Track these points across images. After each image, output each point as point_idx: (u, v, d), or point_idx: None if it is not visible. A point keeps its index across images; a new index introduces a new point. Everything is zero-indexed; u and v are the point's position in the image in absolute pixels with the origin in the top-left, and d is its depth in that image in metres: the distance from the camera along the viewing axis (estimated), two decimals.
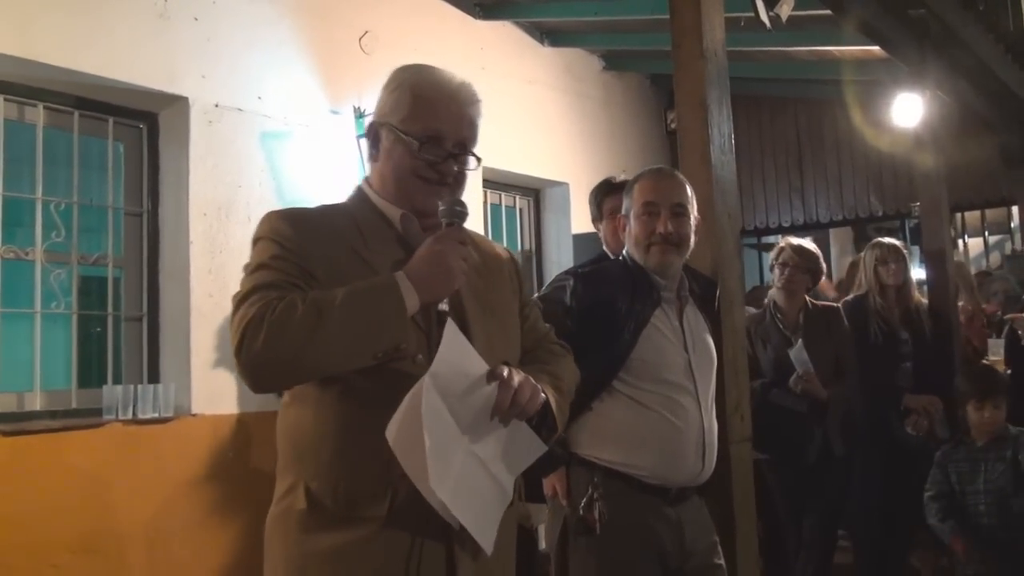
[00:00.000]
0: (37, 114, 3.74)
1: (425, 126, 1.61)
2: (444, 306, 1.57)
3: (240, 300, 1.48)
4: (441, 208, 1.57)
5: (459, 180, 1.67)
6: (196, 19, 4.05)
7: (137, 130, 4.08)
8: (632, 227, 2.44)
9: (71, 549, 3.37)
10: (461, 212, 1.58)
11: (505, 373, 1.54)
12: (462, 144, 1.65)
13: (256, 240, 1.59)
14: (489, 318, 1.67)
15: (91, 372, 3.98)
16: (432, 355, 1.49)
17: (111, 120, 3.97)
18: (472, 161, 1.69)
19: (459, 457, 1.49)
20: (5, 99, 3.63)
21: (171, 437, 3.76)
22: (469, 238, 1.63)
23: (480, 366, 1.52)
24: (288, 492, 1.57)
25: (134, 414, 3.69)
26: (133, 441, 3.65)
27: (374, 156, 1.69)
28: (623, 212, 2.51)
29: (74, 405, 3.74)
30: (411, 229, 1.64)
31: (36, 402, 3.63)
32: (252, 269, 1.54)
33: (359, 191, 1.72)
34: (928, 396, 4.06)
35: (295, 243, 1.54)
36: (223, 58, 4.12)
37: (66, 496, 3.39)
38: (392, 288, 1.47)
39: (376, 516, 1.49)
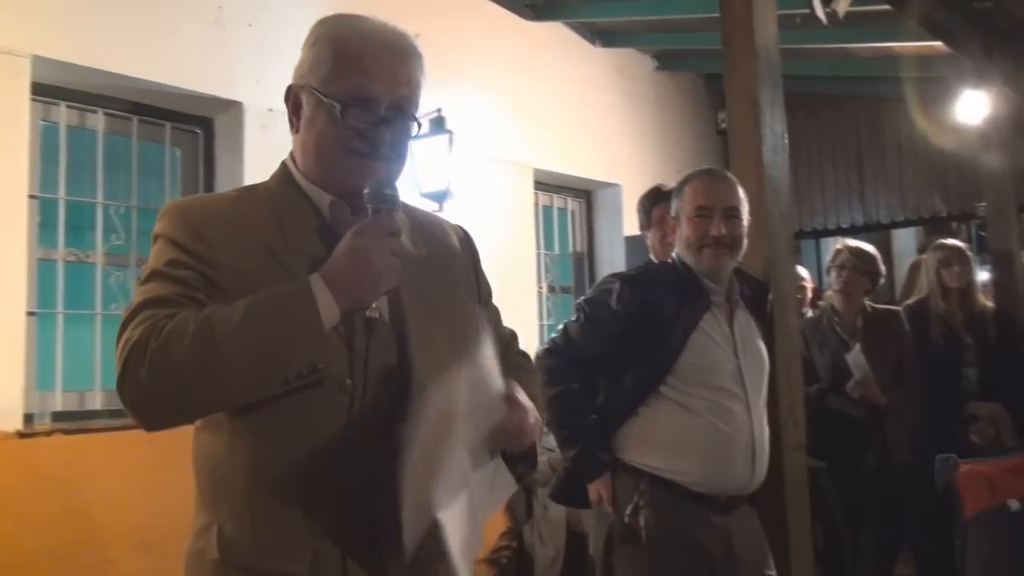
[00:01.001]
0: (98, 120, 3.83)
1: (350, 85, 1.31)
2: (374, 312, 1.29)
3: (127, 319, 1.23)
4: (365, 191, 1.28)
5: (396, 151, 1.37)
6: (250, 25, 4.11)
7: (193, 135, 4.16)
8: (683, 229, 2.41)
9: (128, 545, 3.44)
10: (390, 195, 1.29)
11: (519, 395, 1.33)
12: (398, 106, 1.35)
13: (155, 238, 1.33)
14: (435, 325, 1.36)
15: None
16: (360, 373, 1.26)
17: (168, 125, 4.05)
18: (413, 128, 1.39)
19: (457, 479, 1.27)
20: (67, 106, 3.72)
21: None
22: (404, 226, 1.34)
23: (497, 382, 1.28)
24: (202, 533, 1.32)
25: None
26: (190, 440, 3.71)
27: (295, 126, 1.39)
28: (672, 214, 2.48)
29: None
30: (342, 219, 1.35)
31: (96, 401, 3.72)
32: (145, 278, 1.28)
33: (283, 169, 1.42)
34: (994, 403, 3.93)
35: (197, 245, 1.27)
36: (277, 63, 4.16)
37: (124, 493, 3.46)
38: (303, 295, 1.20)
39: (295, 573, 1.25)
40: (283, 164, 1.43)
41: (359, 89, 1.32)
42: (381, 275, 1.25)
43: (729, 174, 2.47)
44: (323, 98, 1.32)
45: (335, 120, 1.32)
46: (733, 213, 2.36)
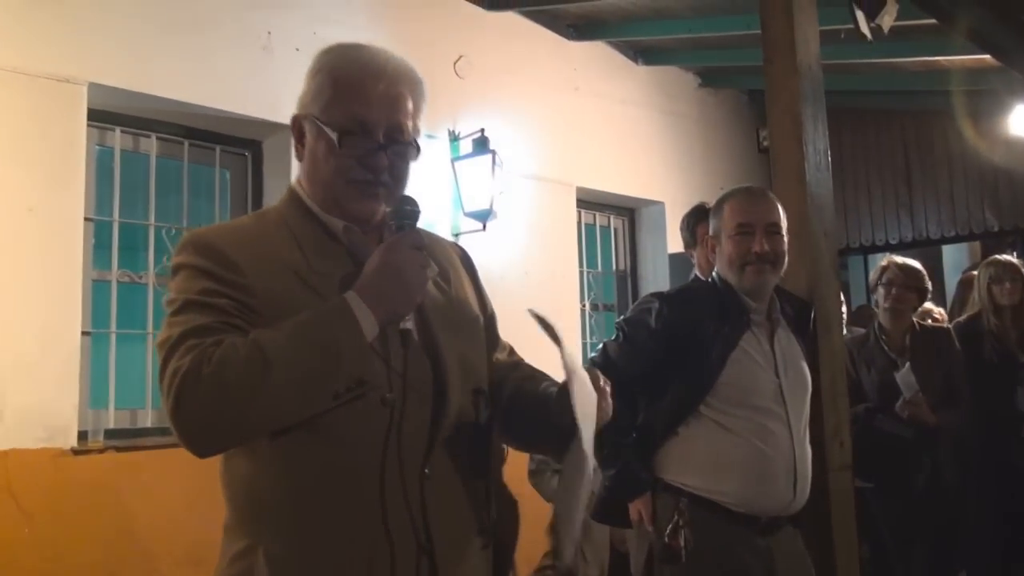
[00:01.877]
0: (150, 144, 3.94)
1: (347, 113, 1.35)
2: (407, 324, 1.33)
3: (169, 349, 1.23)
4: (388, 210, 1.34)
5: (397, 176, 1.39)
6: (298, 50, 4.19)
7: (242, 158, 4.25)
8: (725, 248, 2.40)
9: (177, 561, 3.50)
10: (412, 211, 1.33)
11: (601, 381, 1.38)
12: (395, 132, 1.37)
13: (176, 269, 1.33)
14: (457, 336, 1.41)
15: None
16: (399, 385, 1.30)
17: (218, 148, 4.15)
18: (412, 152, 1.41)
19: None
20: (122, 131, 3.84)
21: None
22: (426, 242, 1.36)
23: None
24: (241, 556, 1.30)
25: None
26: None
27: (299, 154, 1.43)
28: (711, 233, 2.47)
29: None
30: (357, 240, 1.38)
31: (148, 419, 3.80)
32: (178, 308, 1.28)
33: (292, 195, 1.44)
34: None
35: (228, 273, 1.28)
36: None
37: (174, 509, 3.52)
38: (345, 312, 1.24)
39: None
40: (291, 190, 1.45)
41: (355, 117, 1.35)
42: (414, 288, 1.29)
43: (768, 191, 2.46)
44: (323, 127, 1.36)
45: (334, 149, 1.35)
46: (774, 229, 2.36)
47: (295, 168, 4.46)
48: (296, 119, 1.43)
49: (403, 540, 1.29)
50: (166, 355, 1.23)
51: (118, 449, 3.48)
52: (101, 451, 3.43)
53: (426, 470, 1.31)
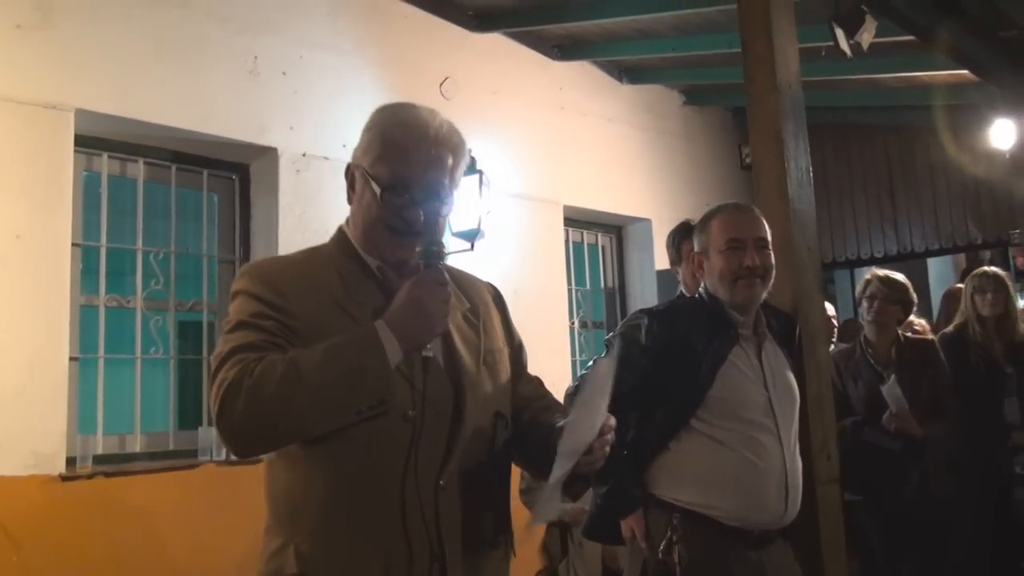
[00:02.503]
0: (138, 169, 3.95)
1: (391, 171, 1.53)
2: (429, 352, 1.49)
3: (219, 363, 1.42)
4: (417, 249, 1.51)
5: (429, 226, 1.55)
6: (284, 73, 4.23)
7: (230, 181, 4.26)
8: (715, 263, 2.41)
9: None
10: (438, 252, 1.51)
11: (612, 422, 1.49)
12: (431, 188, 1.54)
13: (235, 294, 1.53)
14: (481, 368, 1.58)
15: (188, 414, 4.13)
16: (420, 405, 1.46)
17: (205, 172, 4.16)
18: (447, 205, 1.58)
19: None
20: (109, 156, 3.85)
21: (262, 477, 3.85)
22: (451, 279, 1.53)
23: (603, 407, 1.48)
24: (277, 554, 1.48)
25: (227, 455, 3.81)
26: (226, 481, 3.76)
27: (351, 199, 1.61)
28: (697, 250, 2.49)
29: (172, 447, 3.89)
30: (391, 278, 1.56)
31: (137, 444, 3.79)
32: (231, 328, 1.47)
33: (341, 234, 1.63)
34: None
35: (276, 299, 1.47)
36: (310, 109, 4.28)
37: (164, 534, 3.51)
38: (372, 339, 1.41)
39: None
40: (340, 230, 1.63)
41: (397, 175, 1.52)
42: (435, 320, 1.45)
43: (753, 207, 2.49)
44: (370, 180, 1.54)
45: (376, 200, 1.53)
46: (763, 244, 2.39)
47: (283, 191, 4.49)
48: (350, 168, 1.61)
49: (419, 545, 1.44)
50: (216, 368, 1.42)
51: (107, 475, 3.47)
52: (90, 477, 3.42)
53: (441, 482, 1.46)
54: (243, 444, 1.42)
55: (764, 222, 2.42)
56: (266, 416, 1.37)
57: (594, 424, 1.46)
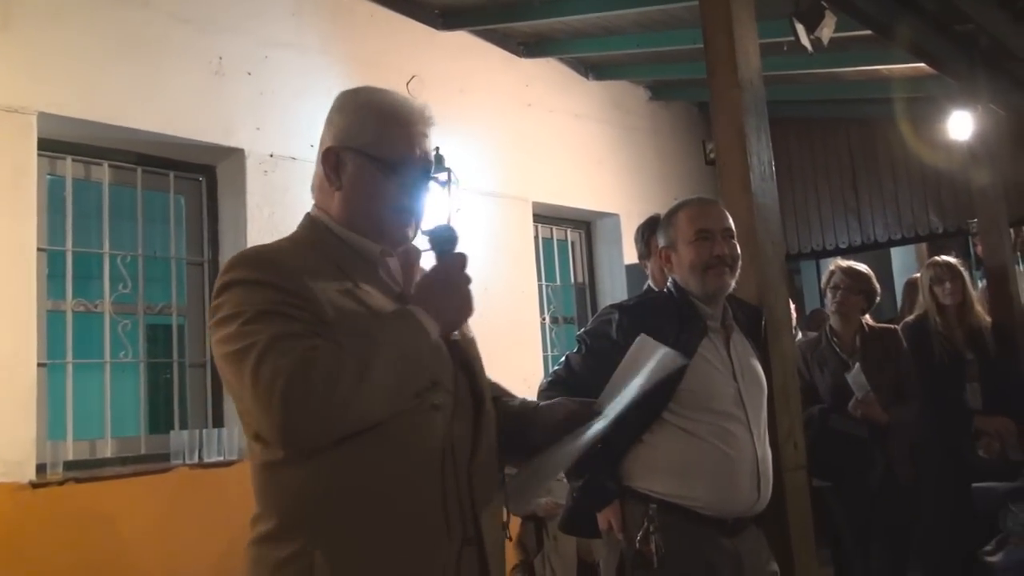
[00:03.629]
0: (103, 172, 3.91)
1: (397, 152, 1.51)
2: (456, 335, 1.49)
3: (262, 352, 1.29)
4: (429, 235, 1.51)
5: (423, 206, 1.57)
6: (249, 74, 4.21)
7: (196, 183, 4.24)
8: (683, 254, 2.45)
9: None
10: (454, 237, 1.52)
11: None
12: (428, 166, 1.56)
13: (233, 283, 1.39)
14: (471, 349, 1.59)
15: (159, 418, 4.11)
16: (450, 392, 1.44)
17: (172, 174, 4.14)
18: (435, 186, 1.60)
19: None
20: (73, 160, 3.81)
21: (236, 480, 3.84)
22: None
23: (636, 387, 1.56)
24: (290, 561, 1.36)
25: (200, 458, 3.79)
26: (199, 484, 3.75)
27: (336, 185, 1.53)
28: (663, 244, 2.53)
29: (143, 451, 3.86)
30: (387, 264, 1.54)
31: (107, 449, 3.76)
32: (251, 317, 1.33)
33: (317, 223, 1.55)
34: (1000, 418, 3.95)
35: (296, 286, 1.37)
36: (276, 109, 4.27)
37: (136, 539, 3.49)
38: (415, 322, 1.39)
39: None
40: (313, 219, 1.56)
41: (404, 156, 1.51)
42: (470, 303, 1.48)
43: (718, 200, 2.55)
44: (375, 160, 1.50)
45: (382, 180, 1.50)
46: (729, 235, 2.44)
47: (250, 191, 4.45)
48: (334, 150, 1.53)
49: (460, 533, 1.42)
50: (258, 358, 1.29)
51: (78, 480, 3.44)
52: (60, 483, 3.39)
53: (472, 468, 1.45)
54: (310, 437, 1.31)
55: (728, 214, 2.47)
56: (340, 408, 1.29)
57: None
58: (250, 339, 1.32)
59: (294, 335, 1.32)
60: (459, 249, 1.51)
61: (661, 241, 2.54)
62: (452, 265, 1.48)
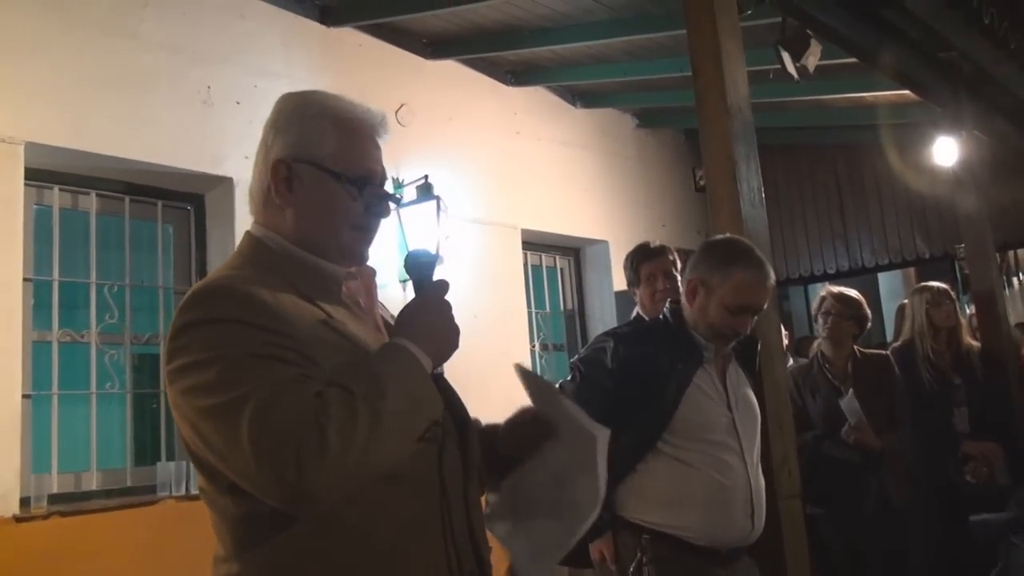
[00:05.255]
0: (90, 202, 3.89)
1: (361, 167, 1.39)
2: (439, 369, 1.37)
3: (259, 406, 1.14)
4: (411, 259, 1.41)
5: (380, 224, 1.46)
6: (238, 103, 4.21)
7: (185, 212, 4.22)
8: (712, 308, 2.36)
9: None
10: (432, 262, 1.42)
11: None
12: (384, 183, 1.44)
13: (200, 323, 1.23)
14: (445, 376, 1.47)
15: (146, 450, 4.06)
16: (438, 426, 1.35)
17: (160, 203, 4.12)
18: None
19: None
20: (60, 189, 3.79)
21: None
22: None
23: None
24: None
25: (187, 490, 3.74)
26: (186, 516, 3.69)
27: (287, 201, 1.38)
28: (699, 277, 2.40)
29: (129, 483, 3.81)
30: (354, 287, 1.44)
31: (93, 482, 3.70)
32: (232, 363, 1.19)
33: (264, 244, 1.39)
34: (987, 442, 3.95)
35: (273, 322, 1.23)
36: None
37: (122, 573, 3.43)
38: (411, 358, 1.28)
39: None
40: (259, 239, 1.39)
41: (366, 170, 1.39)
42: (457, 335, 1.37)
43: (771, 270, 2.41)
44: (335, 174, 1.36)
45: (342, 195, 1.37)
46: (759, 312, 2.40)
47: (239, 221, 4.45)
48: (283, 162, 1.38)
49: (462, 566, 1.35)
50: (255, 413, 1.14)
51: (63, 514, 3.38)
52: (45, 517, 3.33)
53: (467, 497, 1.39)
54: (326, 499, 1.16)
55: (770, 290, 2.40)
56: (356, 462, 1.16)
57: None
58: (238, 390, 1.16)
59: (293, 382, 1.18)
60: (441, 275, 1.41)
61: (699, 272, 2.41)
62: (437, 294, 1.38)
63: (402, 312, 1.36)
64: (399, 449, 1.24)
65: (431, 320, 1.34)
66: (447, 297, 1.39)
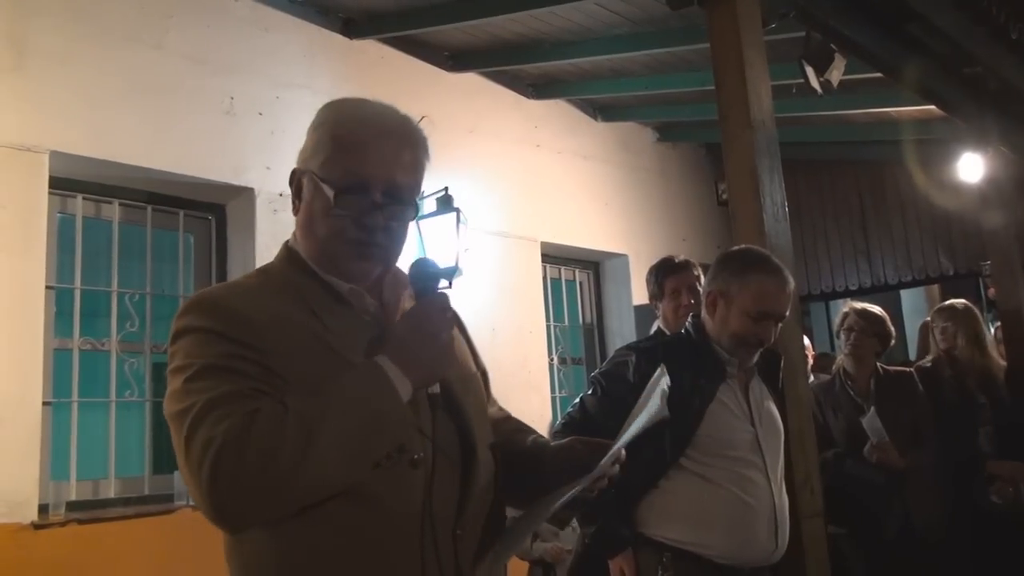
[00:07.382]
0: (113, 211, 3.92)
1: (345, 171, 1.30)
2: (435, 388, 1.30)
3: (196, 419, 1.15)
4: (410, 272, 1.33)
5: (392, 236, 1.35)
6: (260, 114, 4.23)
7: (206, 221, 4.24)
8: (733, 318, 2.34)
9: None
10: (435, 274, 1.33)
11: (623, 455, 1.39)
12: (393, 191, 1.32)
13: (185, 331, 1.25)
14: (468, 394, 1.40)
15: (164, 458, 4.06)
16: (429, 447, 1.27)
17: (181, 213, 4.14)
18: (410, 212, 1.37)
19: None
20: (84, 198, 3.82)
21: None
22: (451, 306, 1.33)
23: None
24: None
25: None
26: (203, 525, 3.66)
27: (296, 209, 1.38)
28: (719, 288, 2.39)
29: (147, 492, 3.81)
30: (364, 303, 1.36)
31: (111, 489, 3.71)
32: (194, 373, 1.19)
33: (290, 253, 1.38)
34: (1014, 462, 3.88)
35: (247, 336, 1.22)
36: (287, 149, 4.27)
37: None
38: (382, 378, 1.21)
39: None
40: (288, 247, 1.40)
41: (353, 175, 1.30)
42: (450, 353, 1.29)
43: (787, 273, 2.39)
44: (321, 183, 1.31)
45: (329, 207, 1.31)
46: (783, 319, 2.37)
47: (260, 231, 4.46)
48: (295, 173, 1.38)
49: None
50: (192, 424, 1.15)
51: (80, 522, 3.39)
52: (63, 524, 3.34)
53: (458, 531, 1.29)
54: (242, 516, 1.16)
55: (791, 296, 2.38)
56: (276, 481, 1.12)
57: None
58: (188, 400, 1.17)
59: (234, 396, 1.16)
60: (451, 284, 1.37)
61: (717, 284, 2.40)
62: (431, 309, 1.28)
63: (395, 325, 1.30)
64: (344, 471, 1.18)
65: (418, 336, 1.25)
66: (448, 311, 1.30)
